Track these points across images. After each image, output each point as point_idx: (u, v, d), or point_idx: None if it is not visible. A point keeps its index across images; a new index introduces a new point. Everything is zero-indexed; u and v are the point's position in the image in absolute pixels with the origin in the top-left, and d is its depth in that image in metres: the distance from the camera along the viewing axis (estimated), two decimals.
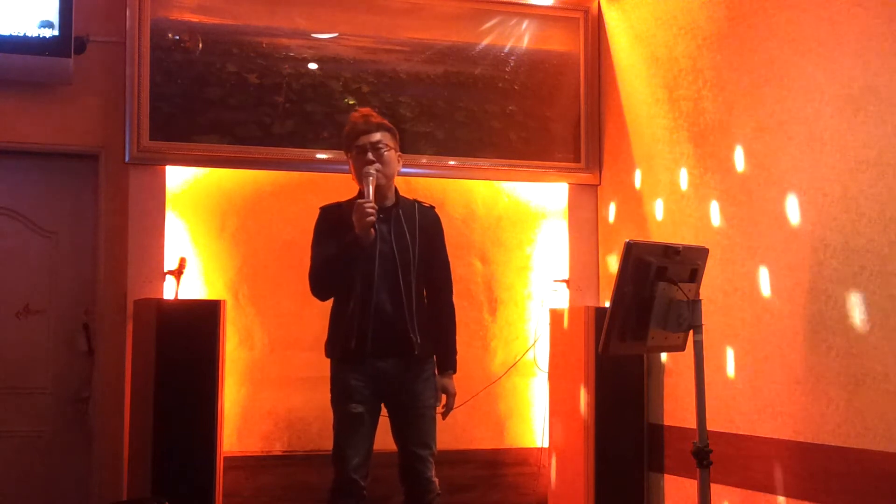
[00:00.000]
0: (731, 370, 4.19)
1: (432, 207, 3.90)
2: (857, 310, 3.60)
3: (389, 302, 3.66)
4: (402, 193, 3.87)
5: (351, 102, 4.80)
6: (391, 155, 3.74)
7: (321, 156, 4.77)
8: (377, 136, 3.72)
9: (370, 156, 3.67)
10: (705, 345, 3.31)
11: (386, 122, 3.84)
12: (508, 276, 5.17)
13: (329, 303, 3.78)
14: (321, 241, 3.74)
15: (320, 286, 3.71)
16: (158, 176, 4.59)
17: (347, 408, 3.65)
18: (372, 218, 3.53)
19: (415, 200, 3.86)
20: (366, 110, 3.89)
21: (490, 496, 5.00)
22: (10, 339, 4.52)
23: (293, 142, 4.74)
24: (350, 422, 3.65)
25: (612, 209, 5.11)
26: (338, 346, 3.68)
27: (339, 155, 4.70)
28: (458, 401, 3.92)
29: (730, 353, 4.20)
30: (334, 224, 3.71)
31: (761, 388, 4.04)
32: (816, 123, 3.81)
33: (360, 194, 3.72)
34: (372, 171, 3.63)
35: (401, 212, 3.76)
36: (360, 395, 3.65)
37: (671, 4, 4.65)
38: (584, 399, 4.61)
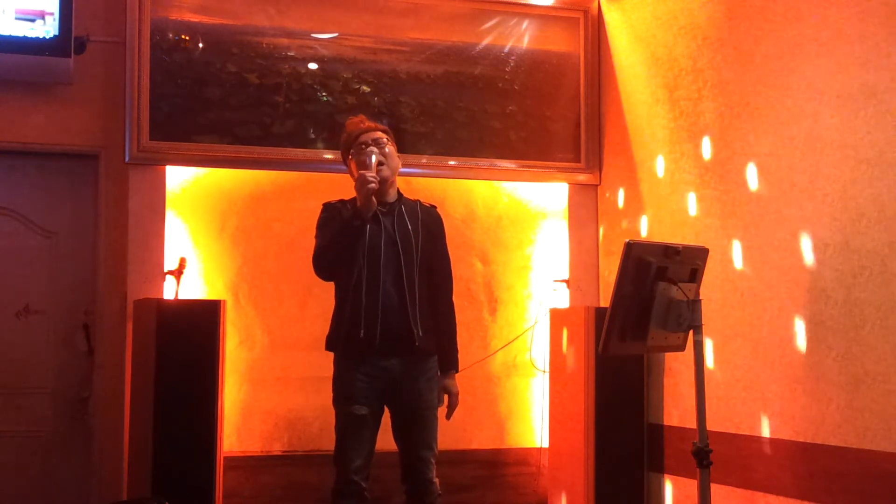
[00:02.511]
0: (731, 370, 4.19)
1: (434, 207, 3.92)
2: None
3: (395, 294, 3.66)
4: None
5: (348, 100, 4.80)
6: (393, 150, 3.79)
7: (321, 155, 4.77)
8: (376, 135, 3.78)
9: (372, 148, 3.72)
10: (705, 345, 3.30)
11: (381, 125, 3.90)
12: (508, 276, 5.17)
13: (330, 301, 3.78)
14: (324, 230, 3.75)
15: (323, 263, 3.69)
16: (158, 176, 4.59)
17: (350, 409, 3.64)
18: (373, 185, 3.56)
19: (417, 200, 3.88)
20: (360, 116, 3.94)
21: (490, 496, 5.00)
22: (10, 339, 4.53)
23: (293, 142, 4.74)
24: (353, 423, 3.64)
25: (612, 209, 5.11)
26: (343, 336, 3.66)
27: (340, 155, 4.72)
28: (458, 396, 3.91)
29: (730, 353, 4.19)
30: (336, 217, 3.72)
31: (761, 388, 4.04)
32: (816, 123, 3.81)
33: None
34: (374, 149, 3.69)
35: (403, 207, 3.78)
36: (363, 396, 3.64)
37: (671, 4, 4.65)
38: (584, 399, 4.61)
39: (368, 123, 3.84)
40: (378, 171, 3.64)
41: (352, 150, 3.78)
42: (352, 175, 3.78)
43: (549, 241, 5.23)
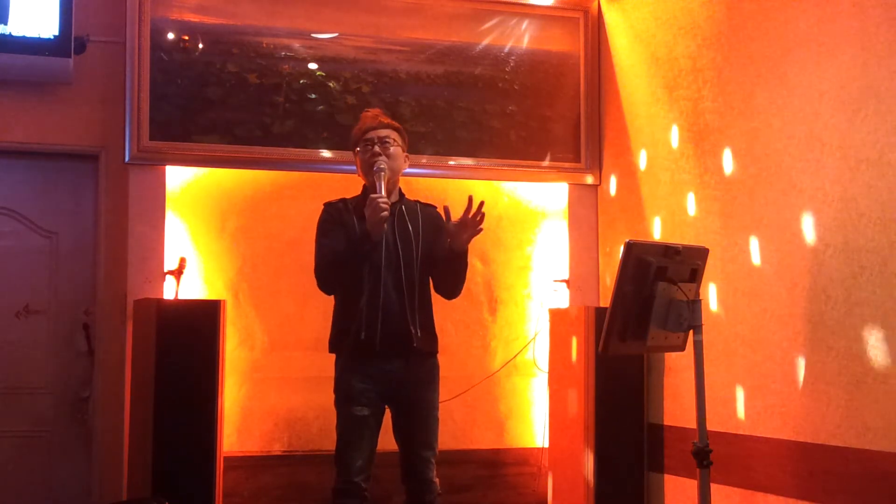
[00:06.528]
0: (731, 370, 4.19)
1: (434, 207, 3.90)
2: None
3: (395, 297, 3.66)
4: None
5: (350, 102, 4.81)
6: (398, 150, 3.74)
7: (321, 155, 4.77)
8: (385, 132, 3.73)
9: (377, 149, 3.68)
10: (705, 345, 3.31)
11: (395, 123, 3.85)
12: (508, 276, 5.17)
13: (330, 301, 3.78)
14: (326, 234, 3.72)
15: (328, 281, 3.69)
16: (158, 176, 4.59)
17: (352, 410, 3.64)
18: (386, 213, 3.52)
19: (416, 201, 3.88)
20: (376, 110, 3.90)
21: (490, 496, 5.00)
22: (10, 339, 4.53)
23: (293, 142, 4.74)
24: (355, 424, 3.64)
25: (612, 209, 5.11)
26: (346, 338, 3.66)
27: (340, 155, 4.73)
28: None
29: (730, 353, 4.19)
30: (338, 219, 3.71)
31: (761, 388, 4.04)
32: (816, 123, 3.81)
33: (364, 191, 3.73)
34: (383, 166, 3.62)
35: (403, 208, 3.77)
36: (365, 397, 3.64)
37: (671, 4, 4.65)
38: (584, 399, 4.61)
39: (381, 119, 3.79)
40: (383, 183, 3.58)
41: (358, 146, 3.76)
42: (358, 170, 3.77)
43: (549, 241, 5.23)
